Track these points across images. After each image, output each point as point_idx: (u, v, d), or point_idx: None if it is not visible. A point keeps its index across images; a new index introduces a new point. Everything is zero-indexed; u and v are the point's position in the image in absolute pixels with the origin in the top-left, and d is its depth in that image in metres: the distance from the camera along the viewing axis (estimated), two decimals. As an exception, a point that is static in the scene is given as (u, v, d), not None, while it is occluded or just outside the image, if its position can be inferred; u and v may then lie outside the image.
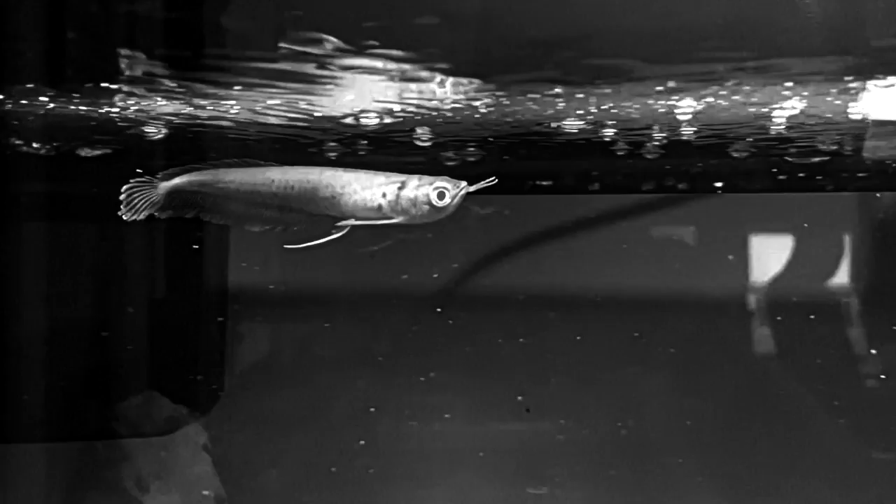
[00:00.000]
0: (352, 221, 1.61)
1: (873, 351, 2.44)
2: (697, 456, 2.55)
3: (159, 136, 2.07)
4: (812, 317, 2.46)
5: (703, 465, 2.54)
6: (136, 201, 1.63)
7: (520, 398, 2.56)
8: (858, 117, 1.94)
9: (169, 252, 2.47)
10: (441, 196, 1.58)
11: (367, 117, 2.00)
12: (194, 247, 2.46)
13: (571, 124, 2.01)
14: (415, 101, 1.93)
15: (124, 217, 1.62)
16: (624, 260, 2.54)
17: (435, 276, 2.54)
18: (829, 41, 1.76)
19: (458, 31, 1.78)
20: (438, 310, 2.54)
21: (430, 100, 1.92)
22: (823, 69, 1.80)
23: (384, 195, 1.60)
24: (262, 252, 2.55)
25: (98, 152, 2.20)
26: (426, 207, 1.59)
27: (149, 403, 2.40)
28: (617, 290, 2.55)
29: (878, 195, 2.46)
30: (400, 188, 1.60)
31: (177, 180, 1.64)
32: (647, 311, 2.53)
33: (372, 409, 2.58)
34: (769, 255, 2.52)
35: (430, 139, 2.07)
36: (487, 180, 1.58)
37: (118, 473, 2.35)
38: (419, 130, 2.06)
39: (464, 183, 1.59)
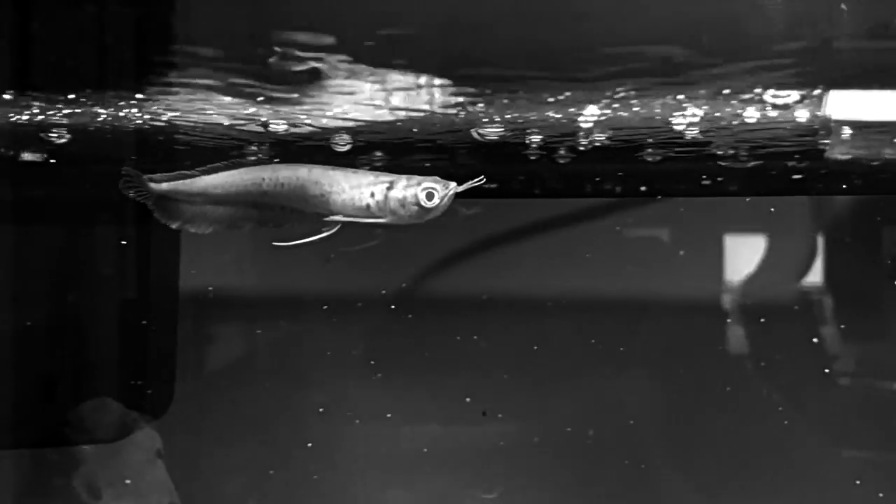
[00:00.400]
0: (340, 218, 1.60)
1: (815, 340, 2.50)
2: (655, 459, 2.58)
3: (63, 140, 2.04)
4: (762, 320, 2.51)
5: (659, 467, 2.58)
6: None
7: (468, 399, 2.56)
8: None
9: (119, 257, 2.42)
10: (430, 196, 1.57)
11: (275, 124, 2.00)
12: (146, 251, 2.42)
13: (491, 131, 2.03)
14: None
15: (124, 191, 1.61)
16: (581, 263, 2.56)
17: (383, 291, 2.54)
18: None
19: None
20: (392, 307, 2.53)
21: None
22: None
23: (372, 195, 1.59)
24: (213, 256, 2.52)
25: (38, 157, 2.17)
26: (415, 208, 1.58)
27: (100, 409, 2.34)
28: (573, 294, 2.57)
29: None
30: (388, 188, 1.58)
31: (166, 185, 1.63)
32: (605, 314, 2.55)
33: (321, 410, 2.56)
34: (723, 258, 2.57)
35: (348, 144, 2.07)
36: (475, 180, 1.57)
37: (70, 481, 2.29)
38: (338, 137, 2.05)
39: (453, 184, 1.57)
